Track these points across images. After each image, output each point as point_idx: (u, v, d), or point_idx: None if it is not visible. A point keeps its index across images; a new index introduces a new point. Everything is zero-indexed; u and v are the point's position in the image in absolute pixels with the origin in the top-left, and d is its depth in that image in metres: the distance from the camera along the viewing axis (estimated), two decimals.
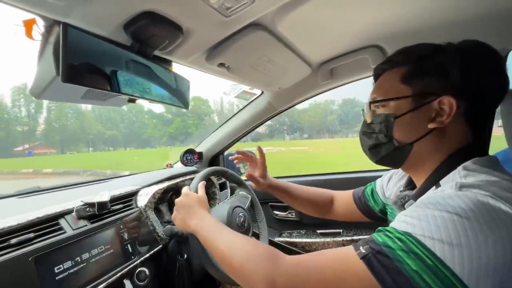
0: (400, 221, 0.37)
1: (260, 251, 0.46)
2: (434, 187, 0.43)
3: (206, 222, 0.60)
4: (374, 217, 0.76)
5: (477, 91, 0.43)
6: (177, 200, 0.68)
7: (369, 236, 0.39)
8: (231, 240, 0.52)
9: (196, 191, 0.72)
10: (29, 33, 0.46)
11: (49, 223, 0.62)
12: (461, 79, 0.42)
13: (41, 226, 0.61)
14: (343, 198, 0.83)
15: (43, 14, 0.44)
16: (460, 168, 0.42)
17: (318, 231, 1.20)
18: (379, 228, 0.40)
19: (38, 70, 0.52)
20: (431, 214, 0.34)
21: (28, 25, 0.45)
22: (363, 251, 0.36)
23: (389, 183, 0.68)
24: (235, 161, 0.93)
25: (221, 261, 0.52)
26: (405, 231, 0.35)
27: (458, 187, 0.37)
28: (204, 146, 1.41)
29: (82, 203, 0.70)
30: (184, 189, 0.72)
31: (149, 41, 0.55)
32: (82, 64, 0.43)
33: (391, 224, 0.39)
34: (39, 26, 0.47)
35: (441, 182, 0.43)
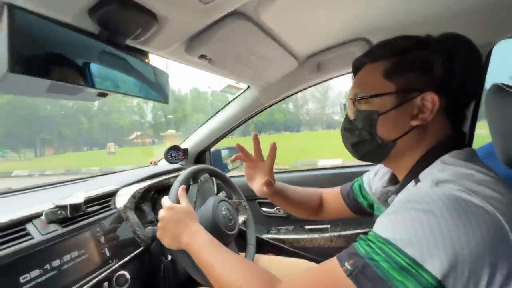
0: (381, 226, 0.38)
1: (256, 276, 0.46)
2: (413, 182, 0.44)
3: (200, 239, 0.58)
4: (363, 212, 0.75)
5: (458, 86, 0.43)
6: (161, 216, 0.64)
7: (351, 246, 0.40)
8: (227, 261, 0.51)
9: (178, 201, 0.68)
10: None
11: (14, 228, 0.57)
12: (444, 75, 0.42)
13: (6, 232, 0.56)
14: (332, 196, 0.81)
15: None
16: (438, 161, 0.42)
17: (306, 227, 1.20)
18: (361, 236, 0.40)
19: None
20: (409, 216, 0.35)
21: None
22: (349, 267, 0.36)
23: (375, 177, 0.68)
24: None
25: (215, 283, 0.51)
26: (386, 239, 0.35)
27: (435, 182, 0.38)
28: (190, 143, 1.36)
29: (53, 206, 0.65)
30: (165, 201, 0.67)
31: (119, 28, 0.50)
32: (34, 53, 0.38)
33: (373, 228, 0.39)
34: None
35: (420, 176, 0.43)
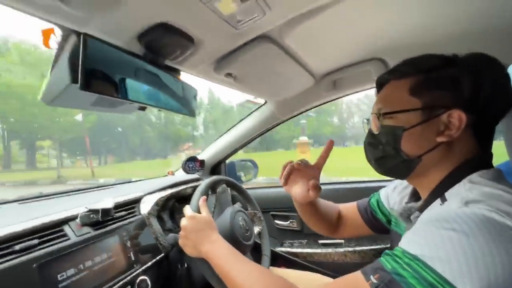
0: (408, 241, 0.38)
1: (276, 284, 0.47)
2: (439, 200, 0.43)
3: (219, 247, 0.60)
4: (381, 229, 0.72)
5: (486, 105, 0.43)
6: (183, 225, 0.66)
7: (376, 261, 0.39)
8: (246, 270, 0.52)
9: (199, 210, 0.71)
10: (46, 42, 0.47)
11: (54, 229, 0.62)
12: (471, 93, 0.42)
13: (45, 233, 0.60)
14: (348, 212, 0.78)
15: (62, 24, 0.45)
16: (465, 180, 0.42)
17: (320, 242, 1.19)
18: (387, 251, 0.40)
19: (51, 77, 0.53)
20: (438, 234, 0.34)
21: (46, 34, 0.46)
22: (375, 281, 0.36)
23: (394, 192, 0.67)
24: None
25: None
26: (414, 255, 0.35)
27: (464, 202, 0.37)
28: (207, 154, 1.41)
29: (86, 209, 0.69)
30: (187, 211, 0.69)
31: (161, 51, 0.57)
32: (98, 72, 0.44)
33: (400, 244, 0.39)
34: (57, 35, 0.48)
35: (446, 195, 0.43)
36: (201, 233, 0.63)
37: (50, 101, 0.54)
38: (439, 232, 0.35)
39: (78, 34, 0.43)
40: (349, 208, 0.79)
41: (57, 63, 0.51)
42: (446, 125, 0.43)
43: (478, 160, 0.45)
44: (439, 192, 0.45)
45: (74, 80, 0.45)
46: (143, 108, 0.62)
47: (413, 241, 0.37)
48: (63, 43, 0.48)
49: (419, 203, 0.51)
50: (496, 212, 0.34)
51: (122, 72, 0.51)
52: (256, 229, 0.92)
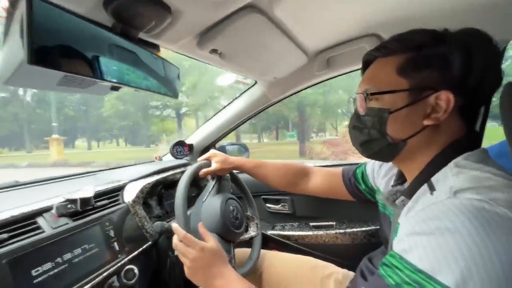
0: (405, 248, 0.37)
1: None
2: (428, 188, 0.42)
3: (232, 280, 0.57)
4: (361, 198, 0.77)
5: (475, 86, 0.41)
6: (193, 257, 0.59)
7: (377, 276, 0.39)
8: None
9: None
10: None
11: (26, 221, 0.57)
12: (461, 73, 0.40)
13: (17, 226, 0.56)
14: (329, 175, 0.84)
15: None
16: (451, 164, 0.41)
17: (311, 224, 1.19)
18: (385, 262, 0.39)
19: (5, 51, 0.46)
20: (434, 240, 0.34)
21: None
22: None
23: (380, 170, 0.67)
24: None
25: None
26: (414, 266, 0.34)
27: (453, 192, 0.37)
28: (195, 138, 1.35)
29: (63, 200, 0.65)
30: (192, 242, 0.60)
31: (133, 21, 0.50)
32: (52, 44, 0.37)
33: (396, 249, 0.38)
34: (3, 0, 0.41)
35: (433, 181, 0.42)
36: (214, 268, 0.59)
37: (6, 80, 0.47)
38: (435, 237, 0.34)
39: None
40: (331, 172, 0.85)
41: (8, 34, 0.44)
42: (433, 108, 0.42)
43: (465, 141, 0.43)
44: (424, 176, 0.44)
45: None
46: (116, 88, 0.56)
47: (409, 247, 0.36)
48: (12, 10, 0.41)
49: (405, 187, 0.50)
50: (486, 202, 0.34)
51: (86, 45, 0.44)
52: (250, 234, 0.88)
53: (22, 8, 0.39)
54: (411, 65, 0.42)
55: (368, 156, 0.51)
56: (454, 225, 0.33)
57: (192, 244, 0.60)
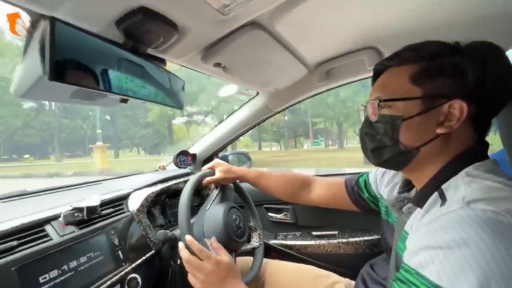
0: (420, 261, 0.36)
1: None
2: (438, 198, 0.42)
3: None
4: (364, 207, 0.76)
5: (487, 95, 0.41)
6: (208, 271, 0.58)
7: None
8: None
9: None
10: (13, 28, 0.43)
11: (34, 229, 0.59)
12: (474, 83, 0.41)
13: (26, 233, 0.57)
14: (331, 185, 0.84)
15: (29, 8, 0.41)
16: (463, 173, 0.41)
17: (314, 233, 1.19)
18: (399, 277, 0.38)
19: (23, 67, 0.49)
20: (450, 254, 0.33)
21: (12, 19, 0.42)
22: None
23: (383, 178, 0.67)
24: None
25: None
26: (432, 282, 0.33)
27: (465, 202, 0.36)
28: (198, 148, 1.38)
29: (70, 208, 0.66)
30: (206, 255, 0.60)
31: (142, 38, 0.53)
32: (70, 61, 0.40)
33: (409, 261, 0.38)
34: (24, 21, 0.44)
35: (444, 189, 0.41)
36: (228, 284, 0.58)
37: (23, 94, 0.50)
38: (451, 251, 0.33)
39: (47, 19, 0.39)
40: (333, 182, 0.84)
41: (27, 52, 0.47)
42: (447, 116, 0.42)
43: (475, 151, 0.44)
44: (434, 185, 0.43)
45: (45, 70, 0.41)
46: (125, 101, 0.59)
47: (425, 261, 0.35)
48: (32, 30, 0.44)
49: (412, 193, 0.50)
50: (501, 214, 0.33)
51: (99, 61, 0.47)
52: (253, 245, 0.88)
53: (41, 28, 0.43)
54: (425, 74, 0.43)
55: (379, 164, 0.51)
56: (470, 236, 0.32)
57: (206, 258, 0.59)
